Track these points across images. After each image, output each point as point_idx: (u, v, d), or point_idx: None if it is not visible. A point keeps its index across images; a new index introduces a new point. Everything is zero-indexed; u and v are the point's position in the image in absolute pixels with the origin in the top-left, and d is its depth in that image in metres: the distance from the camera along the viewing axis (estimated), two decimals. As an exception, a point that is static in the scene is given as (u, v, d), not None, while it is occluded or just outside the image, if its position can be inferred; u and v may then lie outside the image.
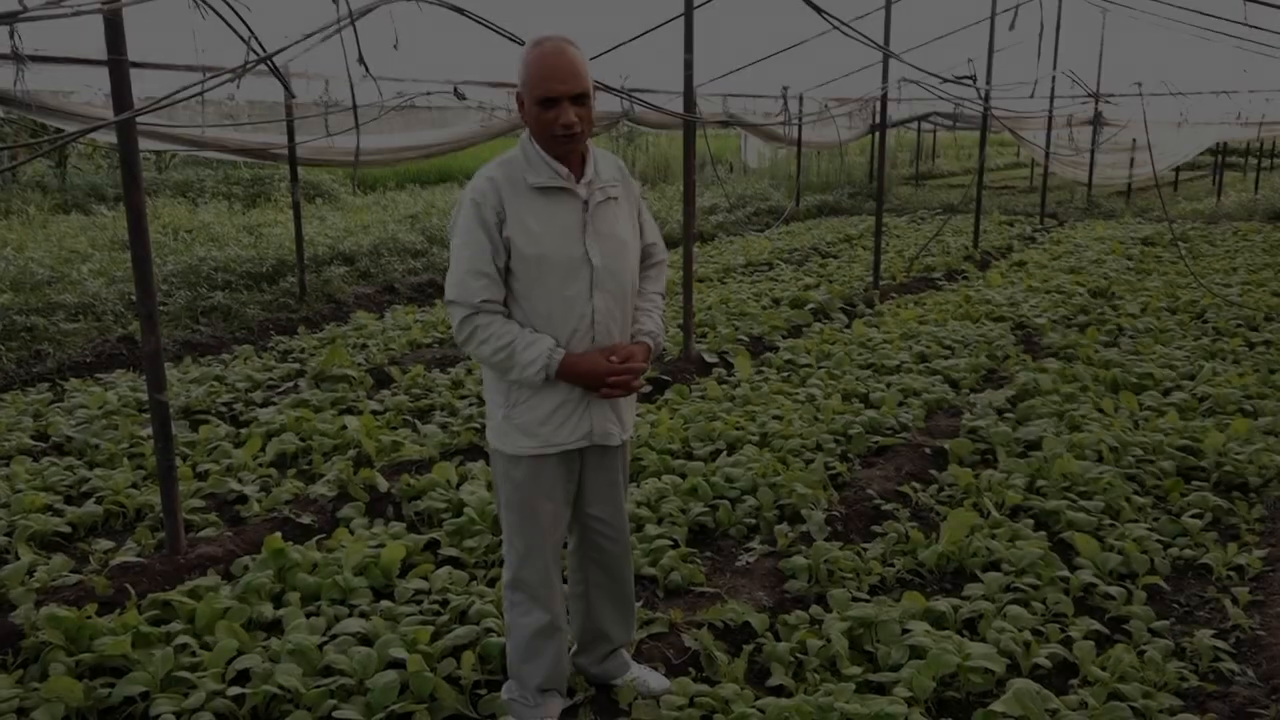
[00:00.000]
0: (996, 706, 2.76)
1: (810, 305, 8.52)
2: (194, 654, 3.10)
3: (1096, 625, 3.35)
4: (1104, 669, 3.05)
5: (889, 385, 6.14)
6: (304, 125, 8.59)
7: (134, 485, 4.62)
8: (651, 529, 4.01)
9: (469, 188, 2.55)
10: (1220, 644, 3.24)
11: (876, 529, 4.23)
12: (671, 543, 3.93)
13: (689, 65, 6.38)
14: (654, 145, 22.97)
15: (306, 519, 4.25)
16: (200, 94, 3.77)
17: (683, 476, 4.59)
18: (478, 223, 2.50)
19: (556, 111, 2.46)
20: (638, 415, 5.46)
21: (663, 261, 2.88)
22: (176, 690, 2.92)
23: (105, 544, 4.03)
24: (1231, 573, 3.83)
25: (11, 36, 5.74)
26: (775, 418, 5.43)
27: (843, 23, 7.30)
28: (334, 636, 3.22)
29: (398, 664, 3.00)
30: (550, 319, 2.55)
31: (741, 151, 22.37)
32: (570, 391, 2.60)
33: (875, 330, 7.66)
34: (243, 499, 4.51)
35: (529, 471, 2.64)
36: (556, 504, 2.70)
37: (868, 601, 3.48)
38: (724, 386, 6.15)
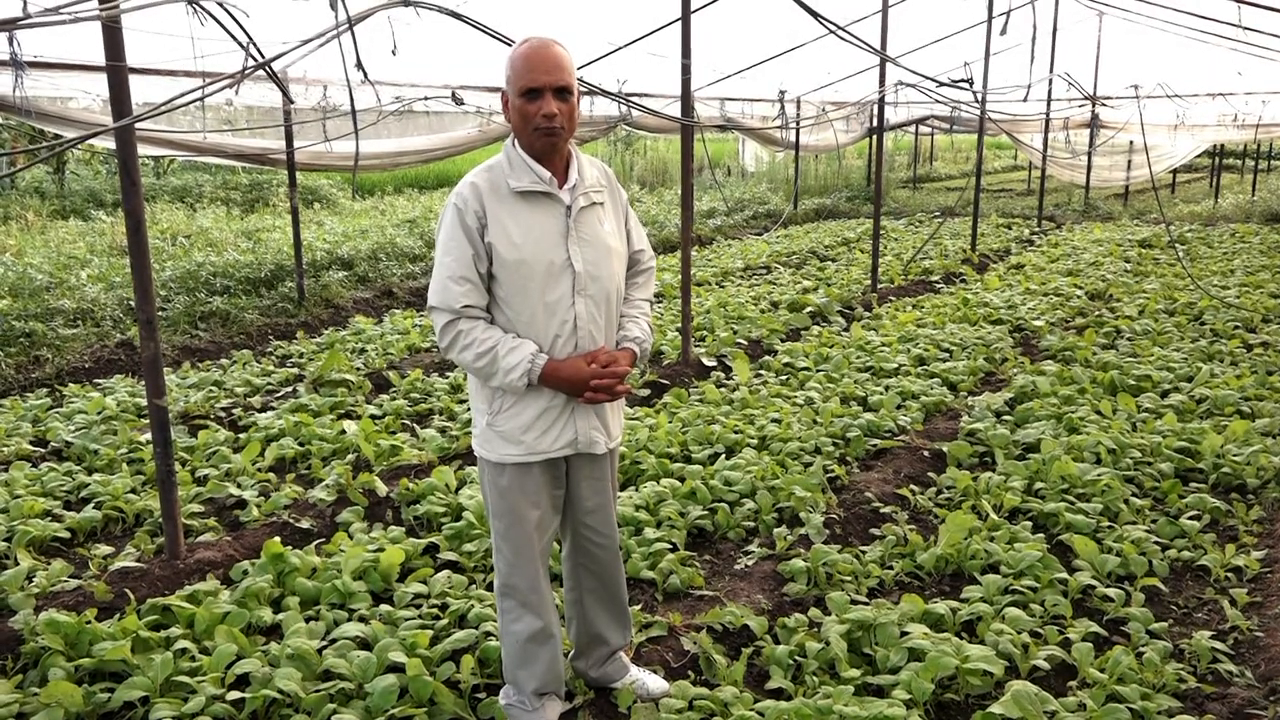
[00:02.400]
0: (995, 709, 2.77)
1: (808, 309, 8.53)
2: (193, 659, 3.10)
3: (1095, 627, 3.35)
4: (1102, 671, 3.06)
5: (887, 388, 6.15)
6: (302, 130, 8.60)
7: (133, 490, 4.63)
8: (650, 532, 4.01)
9: (453, 193, 2.53)
10: (1218, 645, 3.25)
11: (875, 532, 4.23)
12: (670, 546, 3.94)
13: (686, 69, 6.39)
14: (652, 149, 23.00)
15: (305, 523, 4.26)
16: (199, 100, 3.78)
17: (681, 480, 4.59)
18: (460, 228, 2.49)
19: (540, 103, 2.44)
20: (636, 419, 5.48)
21: (650, 268, 2.88)
22: (176, 695, 2.92)
23: (104, 549, 4.03)
24: (1230, 574, 3.83)
25: (10, 43, 5.76)
26: (774, 421, 5.44)
27: (839, 27, 7.31)
28: (333, 641, 3.22)
29: (397, 668, 3.00)
30: (532, 324, 2.54)
31: (739, 155, 22.42)
32: (554, 399, 2.59)
33: (873, 333, 7.68)
34: (242, 504, 4.51)
35: (514, 478, 2.63)
36: (543, 510, 2.69)
37: (866, 604, 3.49)
38: (722, 390, 6.16)
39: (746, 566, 3.92)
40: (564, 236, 2.55)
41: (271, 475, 4.84)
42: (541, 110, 2.44)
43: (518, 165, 2.54)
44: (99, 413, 5.71)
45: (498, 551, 2.72)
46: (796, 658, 3.16)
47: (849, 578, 3.74)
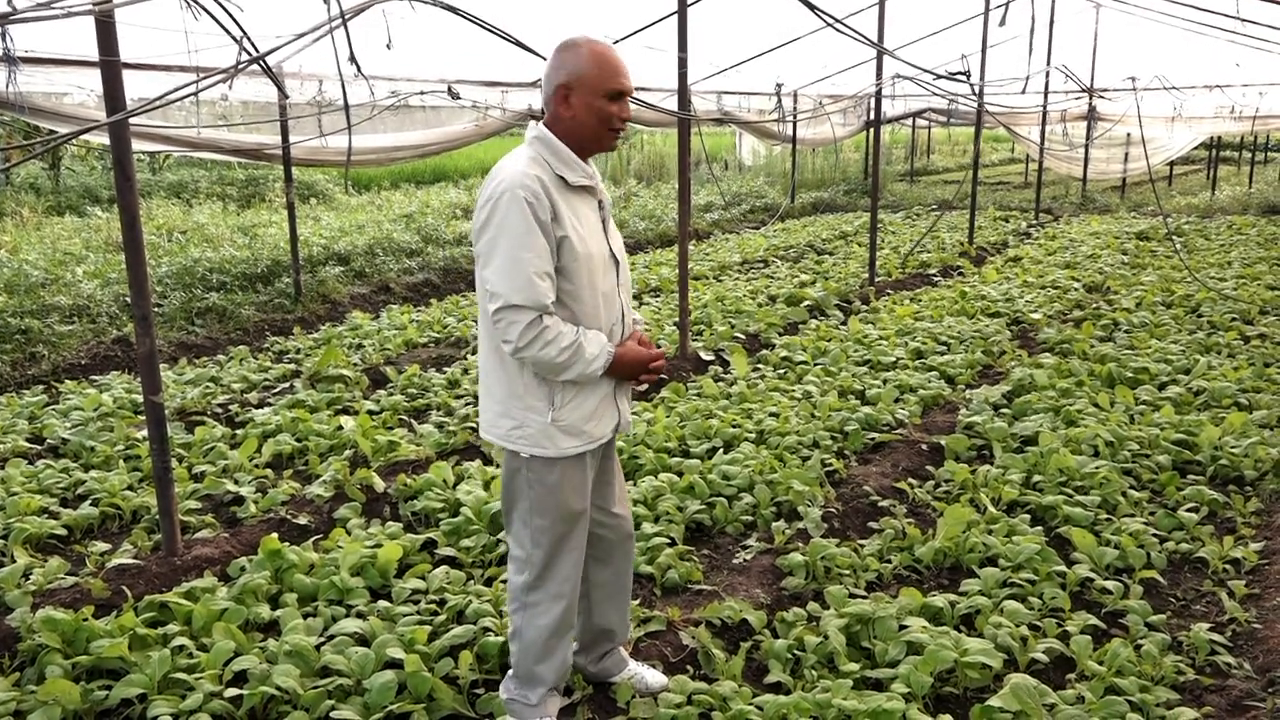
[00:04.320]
0: (994, 701, 2.77)
1: (806, 302, 8.53)
2: (191, 655, 3.09)
3: (1093, 620, 3.36)
4: (1101, 663, 3.06)
5: (885, 382, 6.15)
6: (298, 125, 8.58)
7: (130, 487, 4.62)
8: (649, 527, 4.01)
9: (515, 186, 2.42)
10: (1217, 637, 3.25)
11: (873, 525, 4.23)
12: (669, 541, 3.93)
13: (683, 63, 6.37)
14: (649, 143, 22.96)
15: (303, 520, 4.25)
16: (194, 94, 3.76)
17: (679, 474, 4.59)
18: (536, 222, 2.42)
19: (620, 105, 2.53)
20: (634, 414, 5.48)
21: None
22: (174, 692, 2.91)
23: (101, 546, 4.02)
24: (1228, 566, 3.84)
25: (3, 38, 5.72)
26: (772, 415, 5.43)
27: (836, 19, 7.29)
28: (331, 637, 3.21)
29: (395, 664, 3.00)
30: (595, 317, 2.58)
31: (736, 149, 22.39)
32: (609, 385, 2.65)
33: (871, 327, 7.67)
34: (239, 500, 4.50)
35: (565, 472, 2.62)
36: (586, 499, 2.72)
37: (865, 598, 3.49)
38: (720, 384, 6.15)
39: (745, 561, 3.92)
40: (603, 229, 2.64)
41: (269, 471, 4.84)
42: (621, 113, 2.55)
43: (570, 160, 2.54)
44: (95, 409, 5.70)
45: (534, 547, 2.67)
46: (795, 652, 3.16)
47: (847, 571, 3.74)
